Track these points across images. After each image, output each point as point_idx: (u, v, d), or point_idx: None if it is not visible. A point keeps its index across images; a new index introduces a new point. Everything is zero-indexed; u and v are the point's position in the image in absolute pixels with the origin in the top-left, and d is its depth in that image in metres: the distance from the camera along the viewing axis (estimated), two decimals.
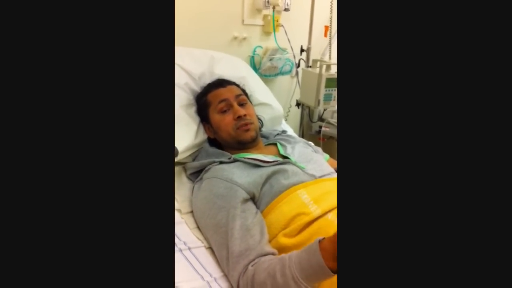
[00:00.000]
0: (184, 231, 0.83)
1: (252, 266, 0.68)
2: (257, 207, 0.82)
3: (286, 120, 1.63)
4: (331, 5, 1.53)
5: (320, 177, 0.89)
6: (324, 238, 0.60)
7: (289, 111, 1.80)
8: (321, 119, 1.79)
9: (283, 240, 0.76)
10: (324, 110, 1.74)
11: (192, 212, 0.88)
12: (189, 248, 0.78)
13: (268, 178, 0.84)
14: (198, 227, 0.85)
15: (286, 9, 1.58)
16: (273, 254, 0.72)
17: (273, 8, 1.53)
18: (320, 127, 1.75)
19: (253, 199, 0.82)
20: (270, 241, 0.76)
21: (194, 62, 1.11)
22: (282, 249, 0.75)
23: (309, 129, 1.86)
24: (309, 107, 1.73)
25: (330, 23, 1.58)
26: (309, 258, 0.60)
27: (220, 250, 0.75)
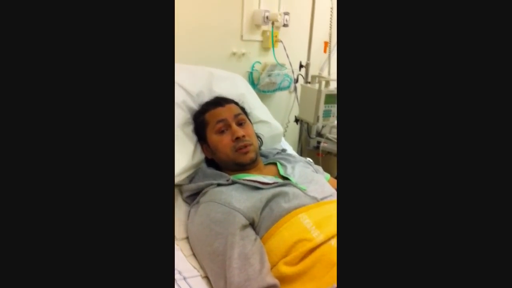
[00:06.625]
0: (179, 259, 0.79)
1: None
2: (256, 233, 0.78)
3: (284, 135, 1.61)
4: (330, 21, 1.53)
5: (321, 199, 0.86)
6: None
7: (287, 126, 1.78)
8: (319, 134, 1.77)
9: (284, 269, 0.72)
10: (323, 126, 1.72)
11: (187, 238, 0.84)
12: (184, 278, 0.74)
13: (268, 201, 0.81)
14: (194, 255, 0.81)
15: (285, 25, 1.58)
16: (275, 285, 0.68)
17: (272, 24, 1.52)
18: (319, 142, 1.73)
19: (252, 224, 0.79)
20: (270, 269, 0.72)
21: (192, 79, 1.08)
22: (283, 278, 0.71)
23: (307, 145, 1.84)
24: (307, 123, 1.71)
25: (330, 39, 1.57)
26: None
27: (217, 281, 0.71)
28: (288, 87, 1.74)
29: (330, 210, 0.82)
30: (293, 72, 1.69)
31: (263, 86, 1.61)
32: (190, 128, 1.01)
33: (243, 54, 1.54)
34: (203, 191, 0.87)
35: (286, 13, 1.56)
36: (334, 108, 1.48)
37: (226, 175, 0.91)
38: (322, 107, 1.45)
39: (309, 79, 1.62)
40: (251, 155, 0.93)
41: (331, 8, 1.50)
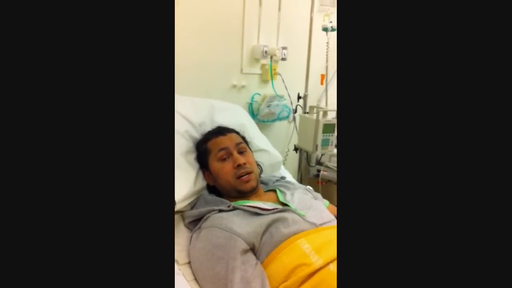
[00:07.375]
0: (182, 284, 0.79)
1: None
2: (257, 258, 0.79)
3: (284, 164, 1.64)
4: (326, 55, 1.60)
5: (320, 225, 0.88)
6: None
7: (287, 155, 1.81)
8: (319, 162, 1.80)
9: None
10: (322, 154, 1.75)
11: (190, 263, 0.86)
12: None
13: (268, 226, 0.82)
14: (196, 279, 0.82)
15: (283, 59, 1.66)
16: None
17: (271, 57, 1.60)
18: (319, 170, 1.76)
19: (252, 249, 0.80)
20: None
21: (195, 110, 1.14)
22: None
23: (307, 173, 1.87)
24: (307, 152, 1.75)
25: (326, 71, 1.64)
26: None
27: None
28: (287, 117, 1.80)
29: (329, 236, 0.83)
30: (291, 103, 1.75)
31: (262, 116, 1.66)
32: (192, 156, 1.05)
33: (243, 87, 1.60)
34: (205, 217, 0.89)
35: (284, 48, 1.65)
36: (332, 137, 1.52)
37: (227, 201, 0.93)
38: (320, 136, 1.49)
39: (307, 110, 1.68)
40: (252, 183, 0.96)
41: (327, 43, 1.58)
